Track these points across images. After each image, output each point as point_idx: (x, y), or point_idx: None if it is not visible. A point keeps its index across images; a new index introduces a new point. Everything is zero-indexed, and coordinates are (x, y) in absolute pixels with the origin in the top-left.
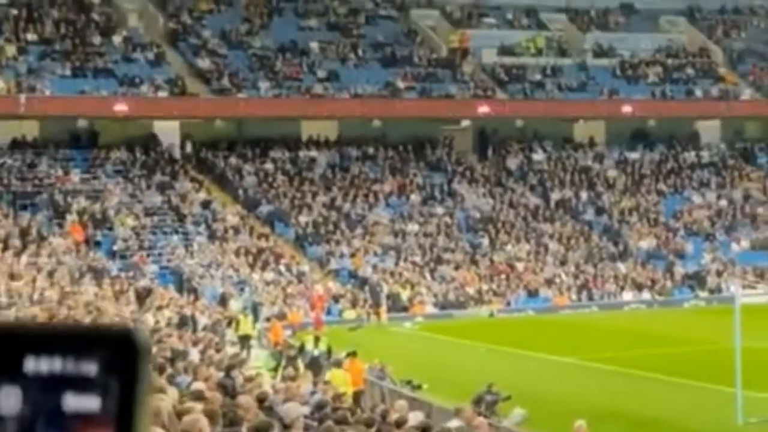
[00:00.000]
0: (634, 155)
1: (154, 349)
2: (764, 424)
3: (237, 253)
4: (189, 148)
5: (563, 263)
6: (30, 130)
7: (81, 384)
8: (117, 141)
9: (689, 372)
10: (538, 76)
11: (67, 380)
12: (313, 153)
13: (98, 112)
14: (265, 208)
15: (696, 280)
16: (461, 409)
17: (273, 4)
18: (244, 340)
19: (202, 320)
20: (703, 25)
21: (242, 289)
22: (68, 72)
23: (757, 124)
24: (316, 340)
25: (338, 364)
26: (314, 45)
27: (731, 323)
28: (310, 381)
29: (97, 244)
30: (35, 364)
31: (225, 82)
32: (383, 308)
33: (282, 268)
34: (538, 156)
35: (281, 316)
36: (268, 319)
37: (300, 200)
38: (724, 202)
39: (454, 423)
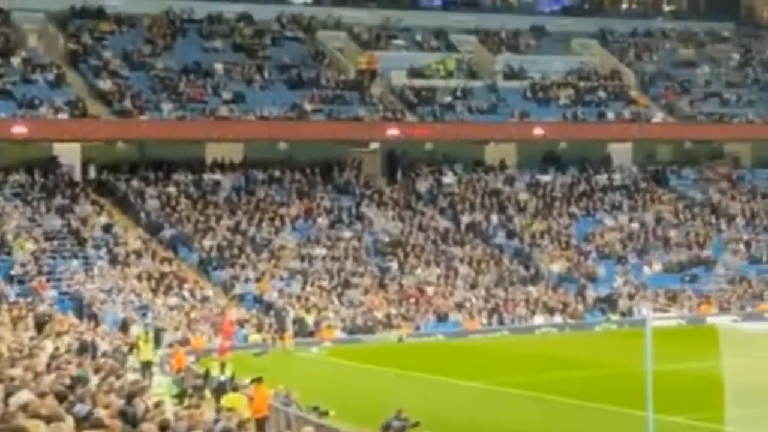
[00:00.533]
0: (545, 178)
1: (53, 376)
2: None
3: (139, 278)
4: (90, 170)
5: (473, 287)
6: None
7: None
8: (16, 163)
9: (601, 396)
10: (448, 99)
11: None
12: (218, 176)
13: None
14: (168, 232)
15: (608, 303)
16: None
17: (177, 25)
18: (146, 367)
19: (103, 346)
20: (614, 47)
21: (144, 315)
22: None
23: (668, 146)
24: (222, 366)
25: (236, 390)
26: (219, 66)
27: (642, 346)
28: (214, 408)
29: None
30: None
31: (127, 103)
32: (289, 333)
33: (185, 293)
34: (448, 179)
35: (184, 342)
36: (170, 345)
37: (204, 224)
38: (635, 225)
39: None
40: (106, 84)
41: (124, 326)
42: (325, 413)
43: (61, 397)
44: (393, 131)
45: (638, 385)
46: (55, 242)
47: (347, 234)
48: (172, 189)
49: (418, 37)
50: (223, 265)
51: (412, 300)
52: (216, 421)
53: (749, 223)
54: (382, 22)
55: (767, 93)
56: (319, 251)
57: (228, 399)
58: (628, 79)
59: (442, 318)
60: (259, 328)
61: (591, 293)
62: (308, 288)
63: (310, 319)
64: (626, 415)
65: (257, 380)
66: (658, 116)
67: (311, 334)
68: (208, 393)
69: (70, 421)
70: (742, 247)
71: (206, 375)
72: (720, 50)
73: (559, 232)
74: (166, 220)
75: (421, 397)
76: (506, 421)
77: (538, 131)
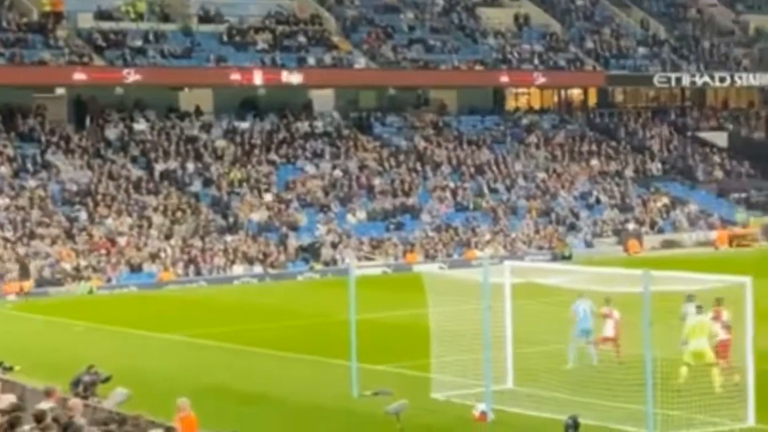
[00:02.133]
0: (243, 125)
1: None
2: (379, 396)
3: None
4: None
5: (168, 237)
6: None
7: None
8: None
9: (303, 346)
10: (139, 42)
11: None
12: None
13: None
14: None
15: (310, 252)
16: (52, 390)
17: None
18: None
19: None
20: None
21: None
22: None
23: (372, 93)
24: None
25: None
26: None
27: (346, 296)
28: None
29: None
30: None
31: None
32: None
33: None
34: (141, 126)
35: None
36: None
37: None
38: (339, 173)
39: (46, 404)
40: None
41: None
42: (10, 368)
43: None
44: (80, 76)
45: (342, 334)
46: None
47: (32, 183)
48: None
49: None
50: None
51: (103, 251)
52: None
53: (455, 171)
54: None
55: (472, 39)
56: (2, 201)
57: None
58: (329, 23)
59: (135, 269)
60: None
61: (293, 242)
62: None
63: None
64: (330, 364)
65: None
66: (361, 62)
67: None
68: None
69: None
70: (448, 194)
71: None
72: None
73: (258, 181)
74: None
75: (114, 350)
76: (201, 373)
77: (235, 76)
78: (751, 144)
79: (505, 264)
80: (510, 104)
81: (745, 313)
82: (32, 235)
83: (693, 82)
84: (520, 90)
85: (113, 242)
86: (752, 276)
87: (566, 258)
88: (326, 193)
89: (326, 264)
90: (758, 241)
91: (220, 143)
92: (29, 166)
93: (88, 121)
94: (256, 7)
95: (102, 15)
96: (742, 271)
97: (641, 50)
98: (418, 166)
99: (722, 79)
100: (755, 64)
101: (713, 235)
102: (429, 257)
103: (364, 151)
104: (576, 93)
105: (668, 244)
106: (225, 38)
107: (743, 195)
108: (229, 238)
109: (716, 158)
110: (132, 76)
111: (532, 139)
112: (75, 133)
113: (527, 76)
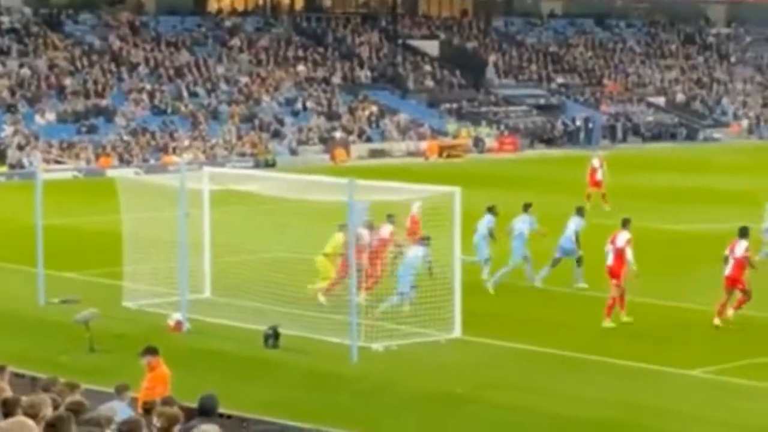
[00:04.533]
0: None
1: None
2: (67, 305)
3: None
4: None
5: None
6: None
7: None
8: None
9: None
10: None
11: None
12: None
13: None
14: None
15: None
16: None
17: None
18: None
19: None
20: None
21: None
22: None
23: None
24: None
25: None
26: None
27: (33, 200)
28: None
29: None
30: None
31: None
32: None
33: None
34: None
35: None
36: None
37: None
38: (27, 71)
39: None
40: None
41: None
42: None
43: None
44: None
45: (29, 240)
46: None
47: None
48: None
49: None
50: None
51: None
52: None
53: (153, 72)
54: None
55: None
56: None
57: None
58: None
59: None
60: None
61: None
62: None
63: None
64: (15, 270)
65: None
66: None
67: None
68: None
69: None
70: (144, 97)
71: None
72: None
73: None
74: None
75: None
76: None
77: None
78: (463, 54)
79: (204, 170)
80: (212, 5)
81: (454, 224)
82: None
83: None
84: None
85: None
86: (461, 187)
87: (270, 165)
88: (12, 93)
89: (12, 167)
90: (469, 152)
91: None
92: None
93: None
94: None
95: None
96: (452, 182)
97: None
98: (113, 67)
99: None
100: None
101: (423, 145)
102: (124, 162)
103: (55, 49)
104: None
105: (376, 154)
106: None
107: (454, 105)
108: None
109: (427, 67)
110: None
111: (235, 42)
112: None
113: None
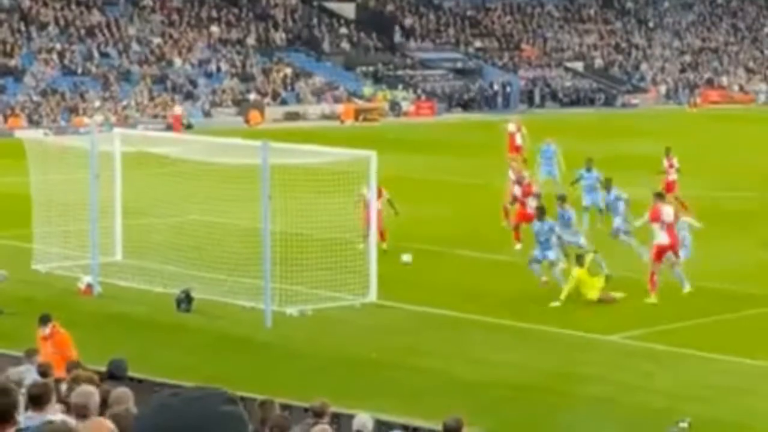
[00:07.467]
0: None
1: None
2: None
3: None
4: None
5: None
6: None
7: None
8: None
9: None
10: None
11: None
12: None
13: None
14: None
15: None
16: None
17: None
18: None
19: None
20: None
21: None
22: None
23: None
24: None
25: None
26: None
27: None
28: None
29: None
30: None
31: None
32: None
33: None
34: None
35: None
36: None
37: None
38: None
39: None
40: None
41: None
42: None
43: None
44: None
45: None
46: None
47: None
48: None
49: None
50: None
51: None
52: None
53: (63, 32)
54: None
55: None
56: None
57: None
58: None
59: None
60: None
61: None
62: None
63: None
64: None
65: None
66: None
67: None
68: None
69: None
70: (54, 57)
71: None
72: None
73: None
74: None
75: None
76: None
77: None
78: (380, 17)
79: (114, 132)
80: None
81: (370, 188)
82: None
83: None
84: None
85: None
86: (377, 151)
87: (188, 128)
88: None
89: None
90: (385, 116)
91: None
92: None
93: None
94: None
95: None
96: (368, 146)
97: None
98: (22, 26)
99: None
100: None
101: (339, 108)
102: (33, 123)
103: None
104: None
105: (291, 117)
106: None
107: (371, 68)
108: None
109: (343, 30)
110: None
111: (147, 2)
112: None
113: None
